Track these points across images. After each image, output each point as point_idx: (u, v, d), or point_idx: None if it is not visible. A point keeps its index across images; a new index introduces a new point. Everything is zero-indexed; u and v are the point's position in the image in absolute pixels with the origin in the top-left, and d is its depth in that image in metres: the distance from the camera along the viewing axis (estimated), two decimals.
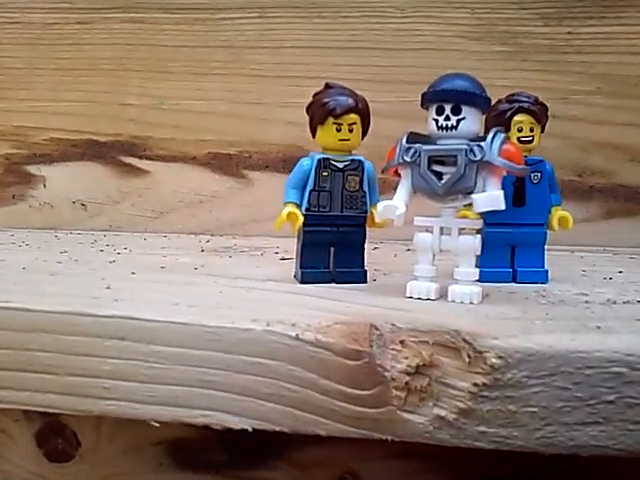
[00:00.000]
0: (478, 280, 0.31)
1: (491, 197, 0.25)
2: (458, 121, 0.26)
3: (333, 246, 0.31)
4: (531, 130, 0.31)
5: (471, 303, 0.26)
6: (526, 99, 0.31)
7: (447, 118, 0.26)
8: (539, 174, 0.31)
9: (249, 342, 0.23)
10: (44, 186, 0.56)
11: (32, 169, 0.56)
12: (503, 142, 0.25)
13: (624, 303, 0.27)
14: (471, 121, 0.26)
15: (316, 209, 0.30)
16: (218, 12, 0.52)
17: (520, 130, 0.31)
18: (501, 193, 0.25)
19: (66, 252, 0.40)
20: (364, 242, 0.31)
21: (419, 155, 0.26)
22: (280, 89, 0.52)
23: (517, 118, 0.30)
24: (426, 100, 0.26)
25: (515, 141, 0.31)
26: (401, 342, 0.22)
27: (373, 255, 0.41)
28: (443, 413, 0.22)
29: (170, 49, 0.53)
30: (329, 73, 0.51)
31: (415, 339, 0.22)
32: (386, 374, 0.22)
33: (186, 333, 0.23)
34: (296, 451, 0.50)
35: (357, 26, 0.51)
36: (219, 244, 0.47)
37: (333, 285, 0.30)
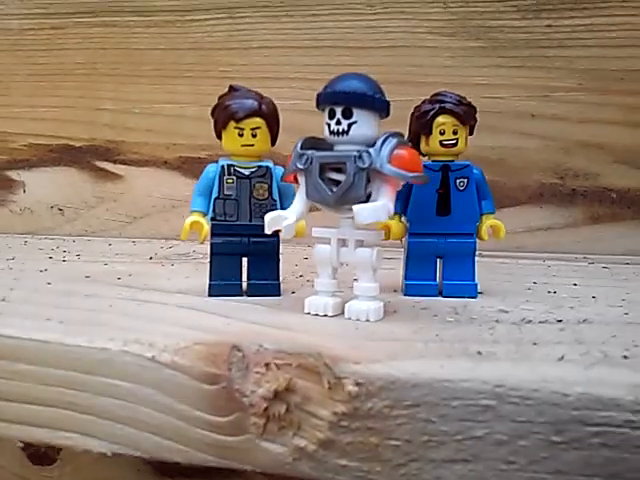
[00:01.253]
0: (405, 294, 0.29)
1: (372, 209, 0.23)
2: (349, 125, 0.24)
3: (245, 256, 0.29)
4: (454, 133, 0.28)
5: (367, 320, 0.24)
6: (449, 99, 0.28)
7: (338, 122, 0.24)
8: (465, 180, 0.29)
9: (106, 363, 0.22)
10: (24, 191, 0.57)
11: (12, 174, 0.57)
12: (395, 147, 0.23)
13: (540, 322, 0.25)
14: (365, 125, 0.24)
15: (222, 218, 0.28)
16: (187, 14, 0.51)
17: (442, 133, 0.28)
18: (385, 204, 0.23)
19: (12, 259, 0.40)
20: (278, 252, 0.29)
21: (311, 162, 0.24)
22: None
23: (439, 119, 0.28)
24: (319, 102, 0.25)
25: (437, 145, 0.28)
26: (266, 365, 0.21)
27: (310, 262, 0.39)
28: (303, 443, 0.20)
29: (141, 52, 0.53)
30: (298, 73, 0.50)
31: (280, 362, 0.21)
32: (244, 399, 0.21)
33: (46, 351, 0.22)
34: None
35: (326, 24, 0.49)
36: (178, 251, 0.46)
37: (242, 298, 0.29)
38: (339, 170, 0.24)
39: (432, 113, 0.28)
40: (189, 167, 0.53)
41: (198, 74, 0.52)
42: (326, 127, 0.24)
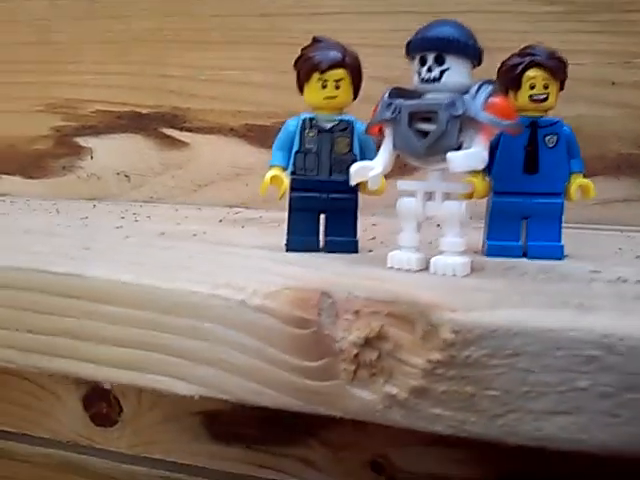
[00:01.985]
0: (487, 254, 0.29)
1: (467, 155, 0.22)
2: (442, 72, 0.23)
3: (324, 213, 0.29)
4: (545, 87, 0.27)
5: (454, 275, 0.24)
6: (540, 52, 0.27)
7: (430, 69, 0.23)
8: (555, 137, 0.28)
9: (195, 305, 0.22)
10: (91, 157, 0.58)
11: (81, 141, 0.58)
12: (490, 94, 0.23)
13: (636, 282, 0.24)
14: (457, 72, 0.23)
15: (302, 173, 0.28)
16: None
17: (533, 87, 0.27)
18: (480, 151, 0.22)
19: (85, 218, 0.40)
20: (356, 209, 0.29)
21: (400, 111, 0.24)
22: None
23: (529, 73, 0.27)
24: (409, 50, 0.24)
25: (527, 99, 0.27)
26: (355, 312, 0.21)
27: (378, 227, 0.39)
28: (395, 391, 0.20)
29: (206, 18, 0.52)
30: (366, 39, 0.49)
31: (369, 309, 0.20)
32: (334, 345, 0.20)
33: (135, 294, 0.22)
34: (329, 431, 0.49)
35: None
36: (245, 216, 0.46)
37: (321, 254, 0.28)
38: (428, 120, 0.24)
39: (522, 66, 0.27)
40: (255, 135, 0.52)
41: (264, 40, 0.51)
42: (416, 75, 0.24)
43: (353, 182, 0.24)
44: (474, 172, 0.27)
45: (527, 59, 0.27)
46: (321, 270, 0.24)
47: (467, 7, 0.47)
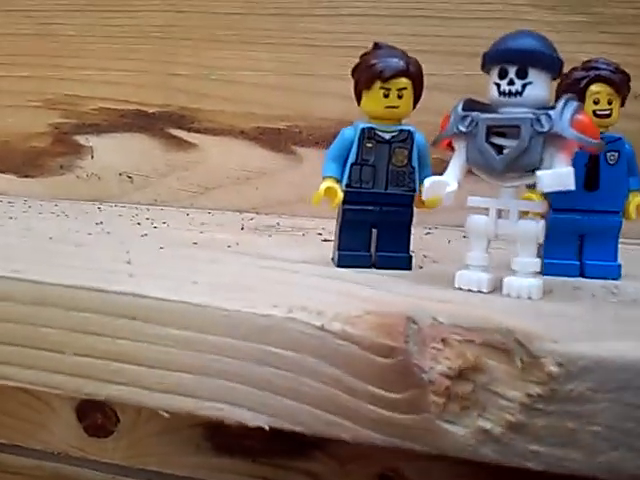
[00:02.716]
0: (540, 273, 0.28)
1: (559, 175, 0.21)
2: (524, 86, 0.22)
3: (375, 227, 0.27)
4: (609, 102, 0.27)
5: (529, 298, 0.23)
6: (605, 66, 0.26)
7: (511, 82, 0.22)
8: (616, 154, 0.27)
9: (268, 330, 0.20)
10: (92, 157, 0.55)
11: (81, 139, 0.55)
12: (576, 111, 0.22)
13: None
14: (539, 86, 0.22)
15: (358, 185, 0.27)
16: None
17: (596, 102, 0.26)
18: (571, 170, 0.21)
19: (101, 224, 0.38)
20: (410, 224, 0.28)
21: (476, 124, 0.23)
22: (334, 60, 0.48)
23: (594, 88, 0.26)
24: (487, 61, 0.23)
25: (590, 114, 0.27)
26: (443, 340, 0.19)
27: (424, 240, 0.38)
28: (488, 426, 0.19)
29: (220, 16, 0.51)
30: (386, 42, 0.47)
31: (459, 337, 0.19)
32: (423, 376, 0.19)
33: (200, 315, 0.21)
34: (336, 443, 0.48)
35: None
36: (262, 222, 0.44)
37: (373, 270, 0.27)
38: (502, 135, 0.23)
39: (586, 81, 0.26)
40: (267, 138, 0.51)
41: (280, 41, 0.50)
42: (494, 87, 0.23)
43: (426, 197, 0.23)
44: (531, 187, 0.26)
45: (592, 73, 0.26)
46: (392, 291, 0.23)
47: (490, 14, 0.46)
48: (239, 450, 0.51)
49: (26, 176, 0.58)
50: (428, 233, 0.42)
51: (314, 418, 0.20)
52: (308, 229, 0.41)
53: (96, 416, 0.55)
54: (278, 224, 0.44)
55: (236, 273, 0.25)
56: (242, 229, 0.40)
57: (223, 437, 0.51)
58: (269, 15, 0.50)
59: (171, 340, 0.21)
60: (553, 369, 0.18)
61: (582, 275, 0.28)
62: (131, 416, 0.54)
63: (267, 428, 0.21)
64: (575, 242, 0.28)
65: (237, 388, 0.21)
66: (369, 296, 0.22)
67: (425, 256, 0.31)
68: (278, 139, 0.51)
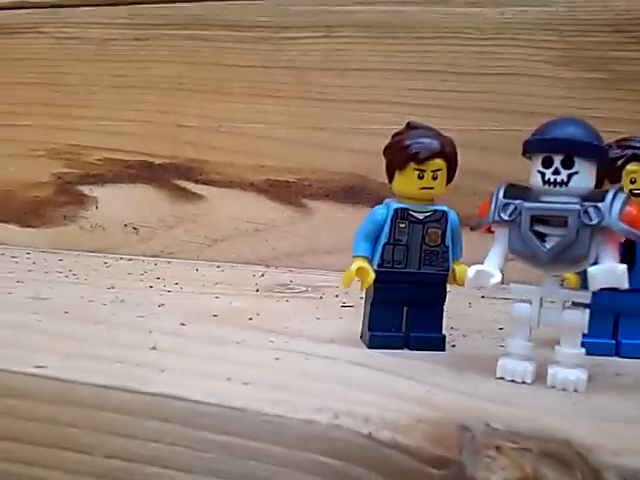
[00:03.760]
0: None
1: (613, 273, 0.20)
2: (569, 176, 0.22)
3: (407, 305, 0.27)
4: None
5: (575, 391, 0.22)
6: None
7: (556, 172, 0.22)
8: None
9: (312, 437, 0.19)
10: (96, 207, 0.54)
11: (85, 189, 0.55)
12: (624, 203, 0.21)
13: None
14: (585, 176, 0.22)
15: (390, 265, 0.26)
16: (282, 31, 0.49)
17: (633, 182, 0.26)
18: (624, 268, 0.20)
19: (113, 288, 0.37)
20: (443, 303, 0.27)
21: (520, 213, 0.22)
22: (345, 114, 0.48)
23: (630, 167, 0.26)
24: (530, 149, 0.22)
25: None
26: (497, 448, 0.18)
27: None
28: None
29: (231, 68, 0.50)
30: (400, 97, 0.47)
31: (515, 445, 0.18)
32: None
33: (240, 420, 0.20)
34: None
35: (432, 47, 0.47)
36: (274, 280, 0.43)
37: (406, 352, 0.26)
38: (545, 222, 0.22)
39: (623, 160, 0.26)
40: (276, 191, 0.50)
41: (290, 94, 0.50)
42: (538, 176, 0.22)
43: (470, 286, 0.22)
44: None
45: (628, 152, 0.26)
46: (434, 386, 0.22)
47: (504, 69, 0.46)
48: None
49: (28, 226, 0.57)
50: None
51: None
52: (322, 288, 0.41)
53: None
54: (291, 282, 0.43)
55: (269, 364, 0.24)
56: (257, 291, 0.39)
57: None
58: (280, 68, 0.50)
59: (209, 445, 0.20)
60: None
61: (617, 354, 0.27)
62: None
63: None
64: (610, 321, 0.27)
65: None
66: (413, 394, 0.21)
67: (452, 328, 0.30)
68: (288, 192, 0.50)
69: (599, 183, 0.26)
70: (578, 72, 0.45)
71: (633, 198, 0.26)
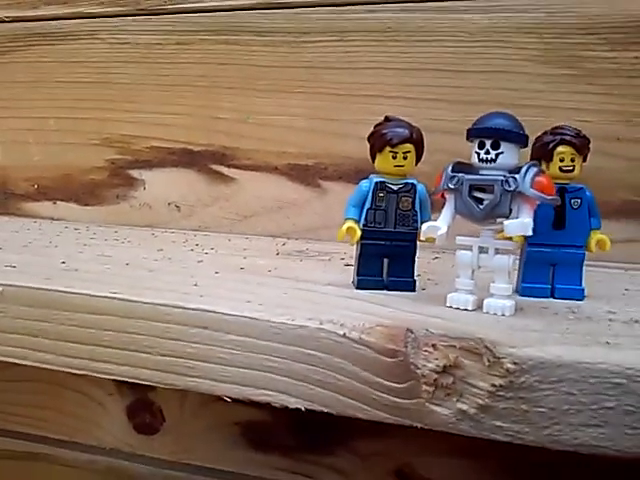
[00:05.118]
0: (520, 294, 0.34)
1: (520, 224, 0.28)
2: (497, 155, 0.29)
3: (386, 257, 0.35)
4: (572, 160, 0.34)
5: (503, 315, 0.30)
6: (568, 132, 0.33)
7: (487, 152, 0.29)
8: (579, 200, 0.34)
9: (304, 337, 0.28)
10: (144, 189, 0.64)
11: (134, 173, 0.64)
12: (536, 174, 0.29)
13: None
14: (509, 155, 0.29)
15: (372, 225, 0.34)
16: (302, 35, 0.57)
17: (562, 160, 0.34)
18: (530, 221, 0.28)
19: (162, 250, 0.46)
20: (414, 255, 0.35)
21: (461, 183, 0.30)
22: (355, 107, 0.56)
23: (559, 149, 0.33)
24: (470, 135, 0.30)
25: (557, 170, 0.34)
26: (433, 345, 0.26)
27: (431, 265, 0.45)
28: (465, 407, 0.26)
29: (258, 69, 0.59)
30: (400, 92, 0.55)
31: (445, 343, 0.26)
32: (417, 371, 0.26)
33: (254, 326, 0.28)
34: (358, 441, 0.55)
35: (429, 49, 0.54)
36: (293, 247, 0.52)
37: (384, 292, 0.34)
38: (483, 190, 0.30)
39: (553, 144, 0.33)
40: (297, 173, 0.58)
41: (308, 90, 0.58)
42: (475, 155, 0.30)
43: (423, 238, 0.30)
44: None
45: (558, 137, 0.33)
46: (396, 309, 0.30)
47: (491, 67, 0.53)
48: (272, 446, 0.59)
49: (85, 204, 0.66)
50: (436, 258, 0.49)
51: (338, 402, 0.27)
52: (332, 254, 0.49)
53: (144, 415, 0.63)
54: (307, 249, 0.51)
55: (279, 294, 0.32)
56: (277, 254, 0.48)
57: (257, 434, 0.59)
58: (300, 67, 0.58)
59: (233, 344, 0.29)
60: (510, 366, 0.25)
61: (553, 296, 0.35)
62: (175, 416, 0.62)
63: (303, 409, 0.28)
64: (547, 270, 0.35)
65: (281, 380, 0.28)
66: (380, 312, 0.29)
67: (429, 279, 0.38)
68: (306, 174, 0.58)
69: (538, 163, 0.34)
70: (555, 69, 0.52)
71: (560, 172, 0.34)
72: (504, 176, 0.29)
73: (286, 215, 0.59)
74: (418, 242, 0.34)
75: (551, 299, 0.35)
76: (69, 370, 0.31)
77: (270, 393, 0.28)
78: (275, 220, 0.59)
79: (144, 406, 0.62)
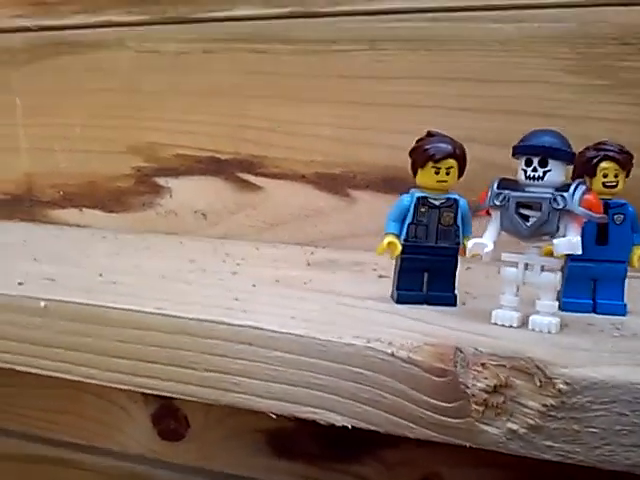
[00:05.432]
0: (561, 309, 0.34)
1: (569, 243, 0.28)
2: (544, 172, 0.29)
3: (427, 272, 0.35)
4: (615, 176, 0.33)
5: (549, 332, 0.30)
6: (612, 148, 0.33)
7: (535, 169, 0.29)
8: (622, 216, 0.34)
9: (351, 355, 0.28)
10: (170, 196, 0.64)
11: (160, 181, 0.64)
12: (584, 193, 0.29)
13: None
14: (556, 173, 0.29)
15: (413, 240, 0.34)
16: (332, 44, 0.57)
17: (605, 176, 0.33)
18: (579, 239, 0.28)
19: (194, 261, 0.46)
20: (455, 270, 0.35)
21: (508, 200, 0.30)
22: (384, 116, 0.56)
23: (603, 165, 0.33)
24: (516, 152, 0.30)
25: (600, 186, 0.33)
26: (482, 364, 0.26)
27: (465, 276, 0.45)
28: (515, 427, 0.26)
29: (287, 77, 0.59)
30: (430, 101, 0.55)
31: (494, 362, 0.26)
32: (467, 390, 0.26)
33: (301, 343, 0.28)
34: (384, 450, 0.55)
35: (460, 58, 0.54)
36: (323, 257, 0.52)
37: (425, 307, 0.34)
38: (529, 207, 0.30)
39: (597, 159, 0.33)
40: (324, 182, 0.58)
41: (337, 99, 0.57)
42: (522, 172, 0.30)
43: (469, 255, 0.30)
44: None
45: (601, 153, 0.33)
46: (443, 325, 0.30)
47: (523, 77, 0.53)
48: (294, 454, 0.59)
49: (111, 211, 0.67)
50: (468, 268, 0.49)
51: (386, 420, 0.27)
52: (363, 264, 0.49)
53: (169, 422, 0.63)
54: (337, 259, 0.51)
55: (321, 310, 0.32)
56: (308, 265, 0.47)
57: (281, 442, 0.59)
58: (327, 76, 0.58)
59: (279, 361, 0.29)
60: (562, 387, 0.25)
61: (594, 311, 0.35)
62: (200, 422, 0.62)
63: (350, 427, 0.28)
64: (589, 285, 0.35)
65: (328, 397, 0.28)
66: (425, 329, 0.29)
67: (467, 292, 0.38)
68: (334, 183, 0.58)
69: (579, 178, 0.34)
70: (587, 79, 0.52)
71: (604, 188, 0.34)
72: (552, 194, 0.29)
73: (313, 223, 0.59)
74: (459, 257, 0.34)
75: (592, 314, 0.34)
76: (114, 385, 0.31)
77: (316, 411, 0.28)
78: (302, 228, 0.59)
79: (169, 412, 0.62)
